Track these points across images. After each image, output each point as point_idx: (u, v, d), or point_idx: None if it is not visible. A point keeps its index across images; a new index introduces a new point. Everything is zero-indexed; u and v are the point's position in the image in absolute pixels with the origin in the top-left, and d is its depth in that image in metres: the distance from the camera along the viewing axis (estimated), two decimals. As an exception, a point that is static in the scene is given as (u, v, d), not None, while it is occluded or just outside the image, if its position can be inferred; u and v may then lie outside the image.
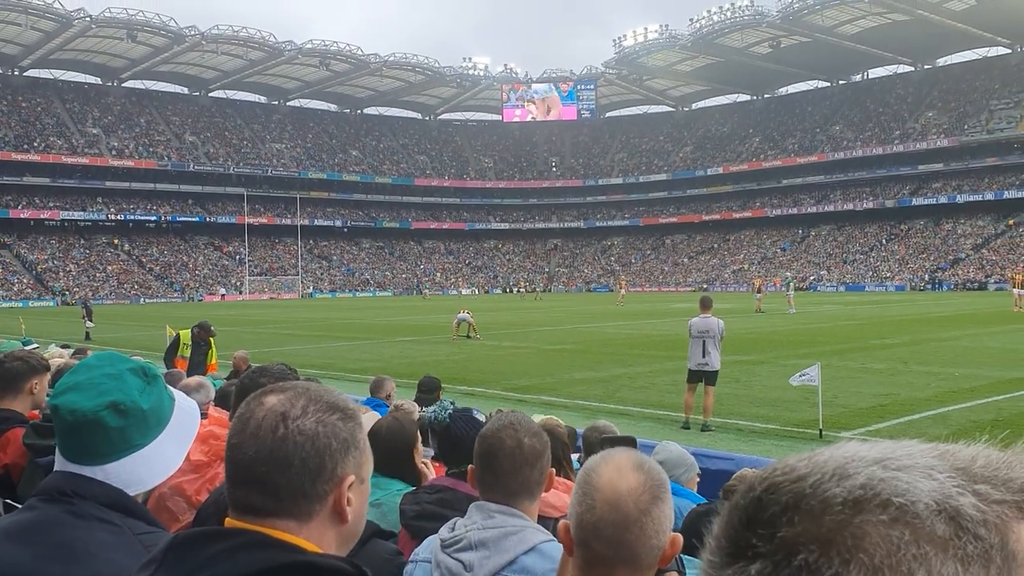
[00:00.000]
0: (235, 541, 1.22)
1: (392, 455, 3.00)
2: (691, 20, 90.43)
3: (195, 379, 4.88)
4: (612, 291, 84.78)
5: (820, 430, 10.62)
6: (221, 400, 4.02)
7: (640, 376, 16.81)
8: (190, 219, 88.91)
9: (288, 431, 1.25)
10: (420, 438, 3.14)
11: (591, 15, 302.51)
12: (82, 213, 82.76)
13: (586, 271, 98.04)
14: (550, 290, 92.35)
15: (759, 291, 41.56)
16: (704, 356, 11.71)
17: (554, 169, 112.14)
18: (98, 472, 1.65)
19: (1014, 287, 36.03)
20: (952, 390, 13.98)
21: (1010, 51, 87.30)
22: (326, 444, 1.26)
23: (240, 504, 1.27)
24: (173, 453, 1.76)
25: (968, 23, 79.04)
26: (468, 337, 26.54)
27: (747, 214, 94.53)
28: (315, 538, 1.26)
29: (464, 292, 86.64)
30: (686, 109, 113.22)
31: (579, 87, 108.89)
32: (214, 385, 5.21)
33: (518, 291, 79.36)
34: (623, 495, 1.51)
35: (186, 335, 13.95)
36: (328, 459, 1.26)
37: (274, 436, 1.25)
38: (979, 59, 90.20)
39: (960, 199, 79.13)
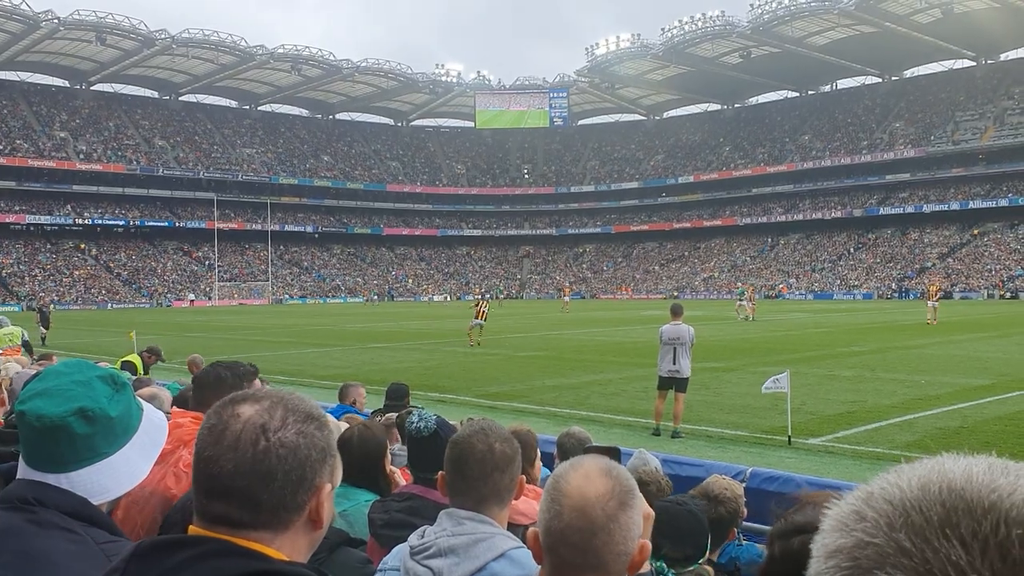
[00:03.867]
0: (199, 549, 1.20)
1: (363, 465, 2.98)
2: (663, 30, 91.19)
3: (148, 389, 4.70)
4: (584, 298, 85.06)
5: (789, 437, 10.71)
6: (179, 404, 3.98)
7: (611, 383, 16.87)
8: (159, 224, 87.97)
9: (270, 444, 1.23)
10: (390, 446, 3.13)
11: (564, 24, 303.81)
12: (49, 217, 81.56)
13: (558, 278, 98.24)
14: (521, 297, 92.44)
15: (751, 299, 41.69)
16: (675, 363, 11.78)
17: (526, 176, 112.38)
18: (63, 480, 1.62)
19: (928, 299, 34.97)
20: (918, 397, 14.17)
21: (975, 64, 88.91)
22: (307, 455, 1.25)
23: (213, 516, 1.24)
24: (139, 463, 1.73)
25: (935, 36, 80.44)
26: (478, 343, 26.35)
27: (717, 222, 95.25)
28: (287, 547, 1.25)
29: (436, 299, 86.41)
30: (657, 118, 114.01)
31: (552, 95, 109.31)
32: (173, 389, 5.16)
33: (474, 298, 79.13)
34: (591, 501, 1.50)
35: (139, 361, 11.77)
36: (309, 470, 1.25)
37: (255, 449, 1.23)
38: (945, 71, 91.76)
39: (926, 209, 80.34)
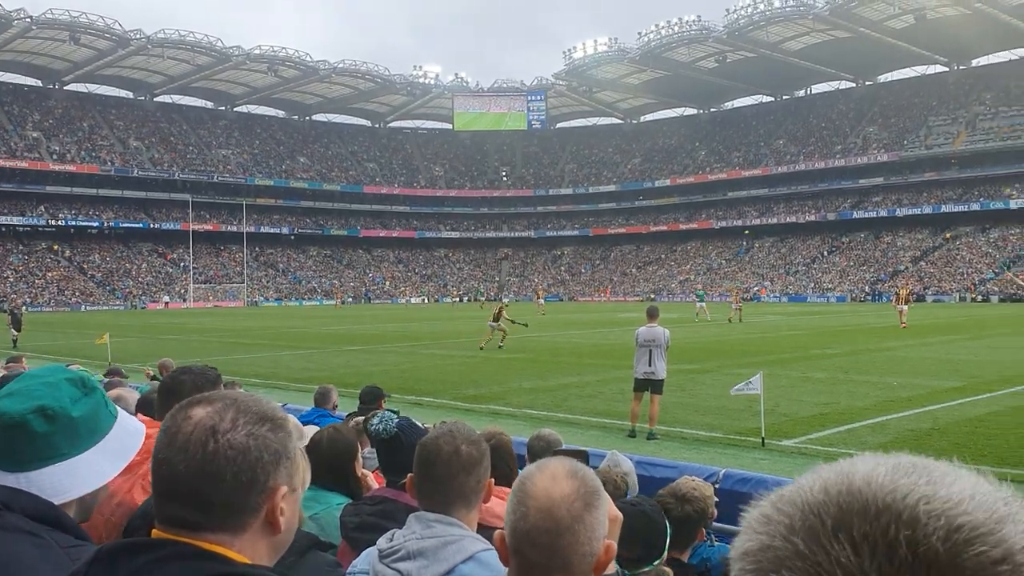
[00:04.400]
0: (162, 552, 1.20)
1: (332, 467, 2.98)
2: (639, 34, 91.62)
3: (115, 391, 4.63)
4: (563, 300, 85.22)
5: (762, 438, 10.79)
6: (143, 407, 3.96)
7: (588, 385, 16.91)
8: (134, 225, 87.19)
9: (219, 445, 1.24)
10: (360, 449, 3.13)
11: (541, 27, 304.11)
12: (21, 218, 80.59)
13: (536, 280, 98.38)
14: (499, 299, 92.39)
15: (736, 301, 42.30)
16: (650, 365, 11.84)
17: (504, 179, 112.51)
18: (21, 479, 1.63)
19: (897, 303, 34.71)
20: (890, 399, 14.30)
21: (947, 69, 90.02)
22: (258, 457, 1.25)
23: (170, 518, 1.25)
24: (104, 466, 1.73)
25: (907, 41, 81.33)
26: (500, 346, 26.09)
27: (693, 225, 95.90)
28: (247, 550, 1.25)
29: (413, 301, 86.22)
30: (634, 121, 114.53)
31: (530, 98, 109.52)
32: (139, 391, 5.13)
33: (452, 301, 79.05)
34: (556, 502, 1.51)
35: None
36: (260, 472, 1.25)
37: (204, 451, 1.23)
38: (918, 76, 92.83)
39: (899, 213, 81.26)
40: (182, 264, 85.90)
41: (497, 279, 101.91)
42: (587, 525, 1.52)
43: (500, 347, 25.70)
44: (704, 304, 43.94)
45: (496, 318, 26.73)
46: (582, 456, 1.83)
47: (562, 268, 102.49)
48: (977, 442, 10.80)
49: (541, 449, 4.08)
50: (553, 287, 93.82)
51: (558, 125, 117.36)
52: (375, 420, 2.77)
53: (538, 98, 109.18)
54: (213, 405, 1.29)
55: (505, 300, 32.58)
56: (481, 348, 25.69)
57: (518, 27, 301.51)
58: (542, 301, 56.37)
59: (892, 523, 0.56)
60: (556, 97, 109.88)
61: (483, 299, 77.49)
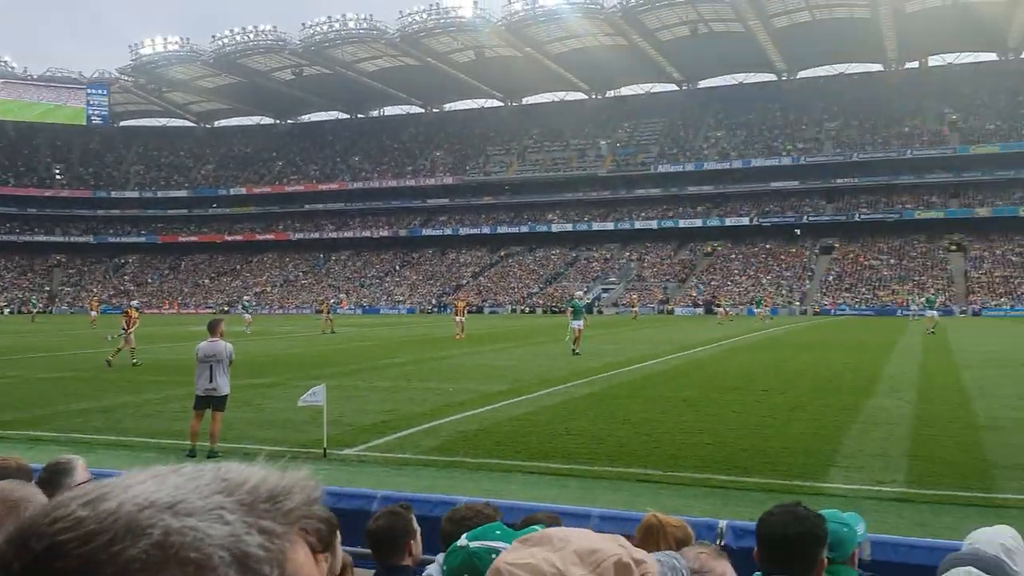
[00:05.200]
0: None
1: None
2: (214, 37, 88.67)
3: None
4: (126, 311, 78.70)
5: (324, 449, 11.07)
6: None
7: (148, 404, 15.97)
8: None
9: None
10: None
11: (104, 17, 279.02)
12: None
13: (96, 290, 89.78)
14: (51, 311, 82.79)
15: (326, 312, 42.86)
16: (211, 381, 11.53)
17: (58, 177, 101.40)
18: None
19: (455, 315, 36.49)
20: (446, 404, 15.46)
21: (503, 104, 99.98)
22: None
23: None
24: None
25: (469, 75, 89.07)
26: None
27: (270, 236, 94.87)
28: None
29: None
30: (208, 126, 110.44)
31: (90, 91, 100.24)
32: None
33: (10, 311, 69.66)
34: None
35: None
36: None
37: None
38: (479, 108, 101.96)
39: (462, 231, 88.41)
40: None
41: (48, 288, 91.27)
42: None
43: (109, 362, 23.15)
44: (250, 316, 44.11)
45: (127, 326, 24.21)
46: None
47: (126, 277, 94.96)
48: (515, 440, 12.12)
49: (45, 480, 3.79)
50: (115, 298, 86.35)
51: (123, 123, 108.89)
52: None
53: (100, 92, 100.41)
54: None
55: (134, 303, 29.26)
56: (135, 363, 23.37)
57: (78, 16, 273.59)
58: (94, 314, 51.73)
59: (14, 543, 0.56)
60: (121, 93, 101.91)
61: (35, 311, 68.76)
